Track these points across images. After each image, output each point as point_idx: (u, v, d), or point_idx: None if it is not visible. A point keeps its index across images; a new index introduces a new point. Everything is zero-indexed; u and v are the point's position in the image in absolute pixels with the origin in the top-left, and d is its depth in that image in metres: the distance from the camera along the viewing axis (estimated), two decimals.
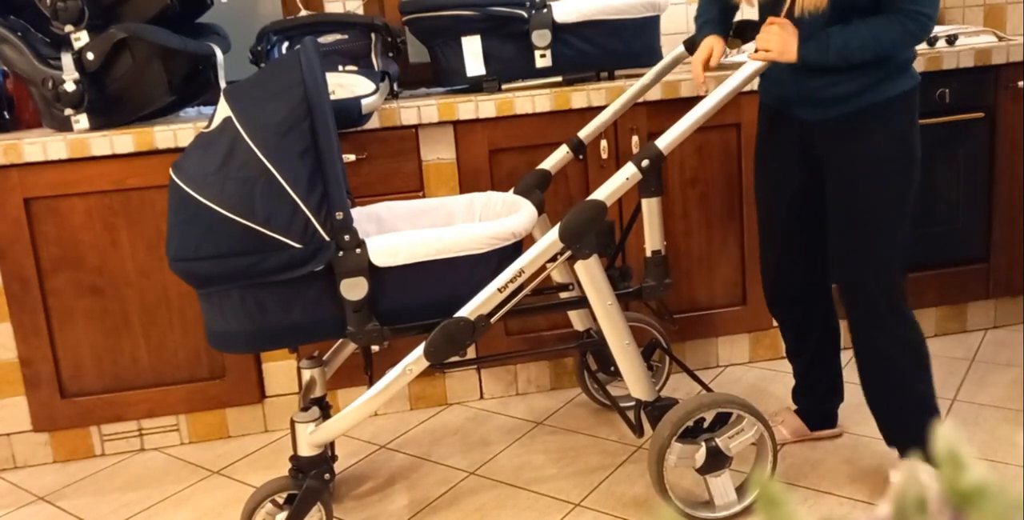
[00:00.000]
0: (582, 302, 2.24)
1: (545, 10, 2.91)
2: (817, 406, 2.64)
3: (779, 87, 2.33)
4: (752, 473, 2.31)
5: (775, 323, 3.17)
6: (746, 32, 2.44)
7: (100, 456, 2.90)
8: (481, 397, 3.13)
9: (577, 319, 2.77)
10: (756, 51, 2.15)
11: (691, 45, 2.55)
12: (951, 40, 3.12)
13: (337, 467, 2.64)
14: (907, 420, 2.30)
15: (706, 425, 2.23)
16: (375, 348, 2.33)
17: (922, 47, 3.10)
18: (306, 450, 2.17)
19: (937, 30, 3.22)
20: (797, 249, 2.46)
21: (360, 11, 3.39)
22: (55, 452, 2.88)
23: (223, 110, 1.98)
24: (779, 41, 2.11)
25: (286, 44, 2.99)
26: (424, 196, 2.87)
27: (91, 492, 2.68)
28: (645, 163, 2.11)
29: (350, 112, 2.61)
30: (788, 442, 2.62)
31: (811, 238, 2.42)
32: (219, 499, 2.58)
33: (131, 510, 2.56)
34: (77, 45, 2.65)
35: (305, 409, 2.21)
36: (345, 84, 2.72)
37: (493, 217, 2.35)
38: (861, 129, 2.21)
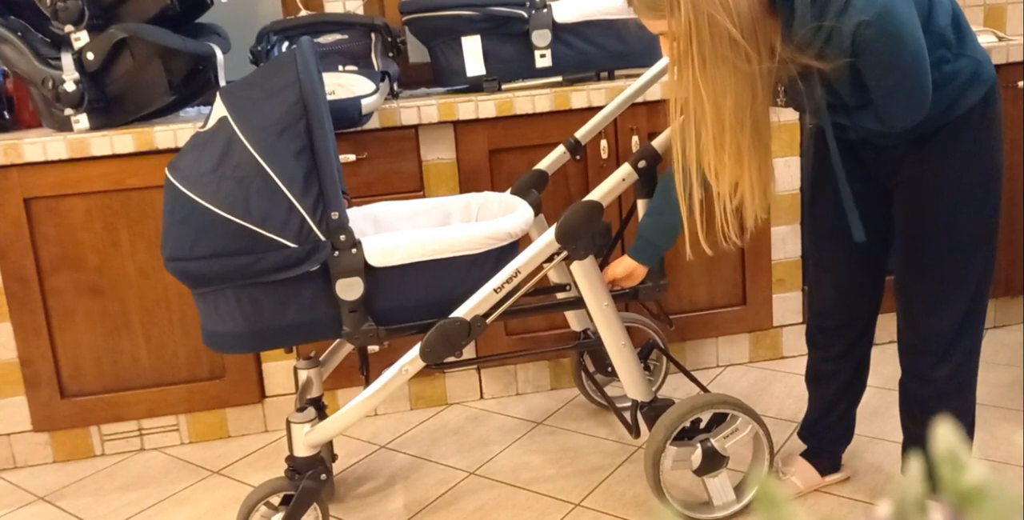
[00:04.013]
0: (578, 303, 2.24)
1: (545, 10, 2.91)
2: (828, 448, 2.44)
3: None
4: (750, 472, 2.31)
5: (775, 323, 3.19)
6: None
7: (100, 456, 2.91)
8: (481, 397, 3.13)
9: (574, 320, 2.77)
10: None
11: None
12: None
13: (337, 467, 2.64)
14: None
15: (702, 426, 2.22)
16: (372, 348, 2.33)
17: None
18: (302, 451, 2.17)
19: None
20: (859, 275, 2.24)
21: (360, 11, 3.39)
22: (55, 452, 2.88)
23: (219, 110, 1.98)
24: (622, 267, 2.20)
25: (286, 44, 2.99)
26: (424, 196, 2.87)
27: (91, 492, 2.69)
28: (641, 164, 2.11)
29: (350, 112, 2.61)
30: (801, 494, 2.40)
31: (875, 264, 2.22)
32: (219, 499, 2.59)
33: (131, 510, 2.56)
34: (77, 45, 2.66)
35: (301, 409, 2.21)
36: (345, 84, 2.72)
37: (490, 217, 2.34)
38: (920, 159, 1.99)
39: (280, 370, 2.95)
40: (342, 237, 1.96)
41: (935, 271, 2.03)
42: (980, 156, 1.96)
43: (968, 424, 2.16)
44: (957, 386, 2.10)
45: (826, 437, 2.42)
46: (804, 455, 2.44)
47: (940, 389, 2.09)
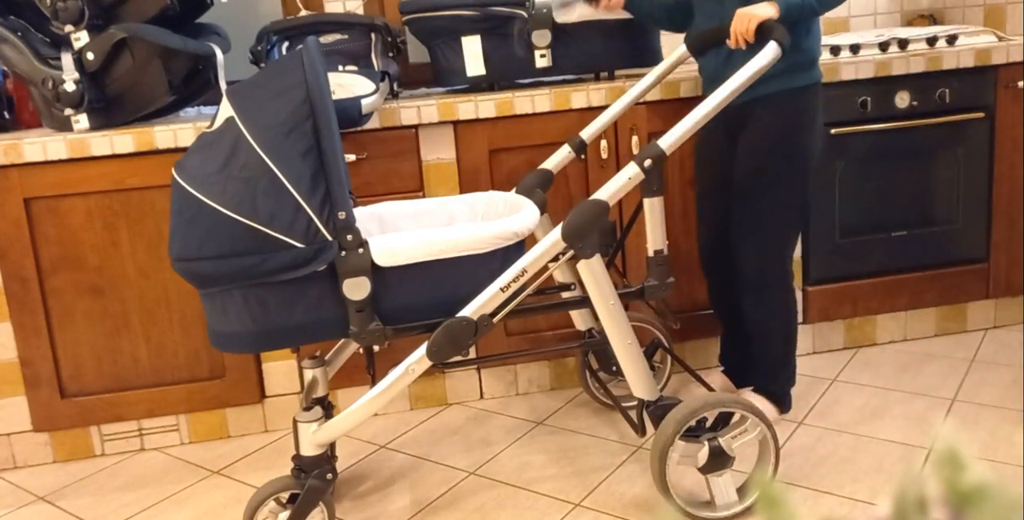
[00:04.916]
0: (584, 302, 2.24)
1: (545, 10, 2.91)
2: (740, 366, 2.90)
3: (710, 71, 2.61)
4: (753, 473, 2.31)
5: None
6: (702, 45, 2.58)
7: (100, 456, 2.90)
8: (481, 397, 3.13)
9: (579, 319, 2.77)
10: (734, 40, 2.36)
11: (692, 45, 2.56)
12: (951, 40, 3.12)
13: (337, 467, 2.63)
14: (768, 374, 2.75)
15: (708, 424, 2.23)
16: (376, 347, 2.33)
17: (922, 47, 3.11)
18: (309, 450, 2.17)
19: (937, 30, 3.22)
20: (724, 217, 2.70)
21: (360, 11, 3.39)
22: (55, 452, 2.87)
23: (226, 110, 1.98)
24: (747, 14, 2.31)
25: (286, 44, 2.98)
26: (424, 196, 2.87)
27: (91, 492, 2.68)
28: (647, 163, 2.11)
29: (350, 112, 2.61)
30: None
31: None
32: (219, 499, 2.58)
33: (131, 510, 2.56)
34: (77, 45, 2.65)
35: (308, 409, 2.21)
36: (345, 84, 2.72)
37: (495, 217, 2.35)
38: (752, 118, 2.54)
39: (280, 370, 2.94)
40: (349, 237, 1.96)
41: (736, 211, 2.64)
42: (779, 138, 2.52)
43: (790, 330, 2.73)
44: (768, 287, 2.66)
45: (734, 358, 2.93)
46: (724, 372, 2.97)
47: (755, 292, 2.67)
